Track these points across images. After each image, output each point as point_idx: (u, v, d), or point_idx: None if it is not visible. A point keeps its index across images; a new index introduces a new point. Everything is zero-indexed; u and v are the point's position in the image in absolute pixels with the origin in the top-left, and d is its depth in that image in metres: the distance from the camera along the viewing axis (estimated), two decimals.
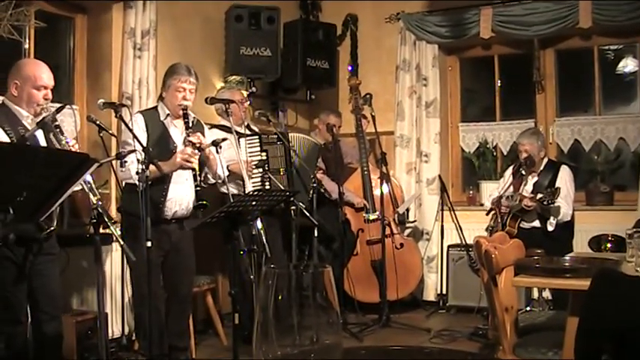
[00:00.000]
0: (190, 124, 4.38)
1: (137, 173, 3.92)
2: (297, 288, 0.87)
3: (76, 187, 3.16)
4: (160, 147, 4.29)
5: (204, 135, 4.53)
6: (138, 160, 3.96)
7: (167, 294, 4.56)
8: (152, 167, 3.98)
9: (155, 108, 4.53)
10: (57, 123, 3.68)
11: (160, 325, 4.41)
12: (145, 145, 4.01)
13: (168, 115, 4.43)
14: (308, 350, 0.86)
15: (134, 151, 4.04)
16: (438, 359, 1.14)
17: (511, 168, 5.93)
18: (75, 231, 4.46)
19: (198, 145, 4.27)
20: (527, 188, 5.66)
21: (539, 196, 5.32)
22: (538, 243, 5.21)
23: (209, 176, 4.59)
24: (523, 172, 5.69)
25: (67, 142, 3.64)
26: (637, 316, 2.38)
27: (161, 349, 4.43)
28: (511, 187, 5.72)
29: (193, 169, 4.24)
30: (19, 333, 3.66)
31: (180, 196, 4.35)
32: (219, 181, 4.63)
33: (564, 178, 5.60)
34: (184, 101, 4.34)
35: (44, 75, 3.79)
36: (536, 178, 5.69)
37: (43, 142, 3.71)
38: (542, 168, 5.70)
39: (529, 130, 5.93)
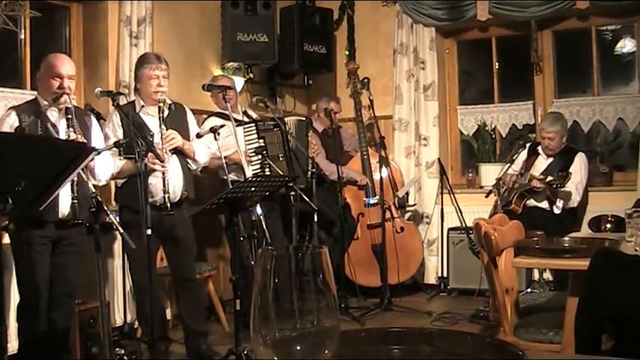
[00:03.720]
0: (166, 116, 4.38)
1: (139, 163, 4.00)
2: (295, 270, 0.87)
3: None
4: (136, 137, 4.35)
5: (186, 116, 4.61)
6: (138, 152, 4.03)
7: (173, 279, 4.68)
8: (126, 164, 4.22)
9: (133, 102, 4.56)
10: (69, 116, 3.77)
11: (161, 310, 4.50)
12: (113, 140, 4.20)
13: (143, 106, 4.47)
14: (306, 333, 0.86)
15: (132, 140, 4.09)
16: (438, 341, 1.14)
17: (528, 147, 5.90)
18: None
19: (169, 143, 4.32)
20: (539, 168, 5.64)
21: (550, 178, 5.31)
22: (541, 223, 5.22)
23: (190, 164, 4.57)
24: (540, 152, 5.69)
25: (68, 136, 3.72)
26: (636, 295, 2.39)
27: (163, 333, 4.55)
28: (520, 164, 5.73)
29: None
30: (36, 320, 3.72)
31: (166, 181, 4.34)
32: (200, 167, 4.65)
33: (579, 165, 5.59)
34: (159, 88, 4.37)
35: (60, 64, 3.89)
36: (550, 160, 5.68)
37: (63, 134, 3.80)
38: (558, 151, 5.68)
39: (552, 115, 5.87)
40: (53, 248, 3.84)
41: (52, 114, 3.86)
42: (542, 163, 5.71)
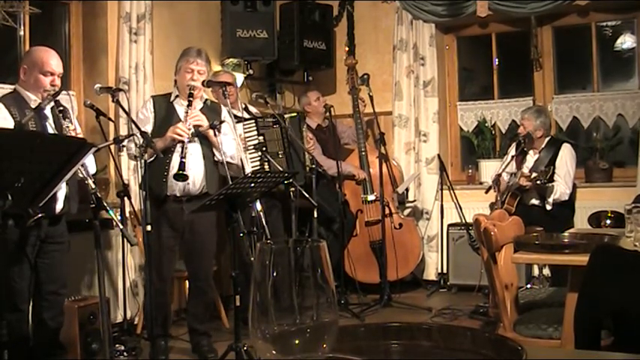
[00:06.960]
0: (200, 108, 4.45)
1: (135, 155, 4.03)
2: (294, 265, 0.87)
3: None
4: (165, 125, 4.36)
5: (220, 117, 4.56)
6: (135, 144, 4.03)
7: (188, 275, 4.71)
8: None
9: (170, 93, 4.62)
10: (61, 108, 3.71)
11: (166, 307, 4.52)
12: (143, 128, 4.15)
13: (177, 96, 4.52)
14: (305, 328, 0.86)
15: (132, 135, 4.10)
16: (438, 336, 1.14)
17: (515, 144, 5.90)
18: (76, 216, 4.46)
19: (192, 118, 4.32)
20: (528, 165, 5.65)
21: (534, 175, 5.32)
22: (537, 221, 5.21)
23: (215, 154, 4.50)
24: (524, 149, 5.69)
25: (67, 127, 3.68)
26: (635, 290, 2.39)
27: (164, 330, 4.53)
28: (513, 164, 5.72)
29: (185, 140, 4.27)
30: (19, 320, 3.68)
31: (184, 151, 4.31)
32: (228, 159, 4.49)
33: (565, 156, 5.58)
34: (192, 82, 4.40)
35: (52, 61, 3.83)
36: (537, 156, 5.68)
37: (51, 128, 3.76)
38: (543, 145, 5.68)
39: (532, 108, 5.95)
40: (40, 248, 3.76)
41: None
42: (530, 159, 5.72)
